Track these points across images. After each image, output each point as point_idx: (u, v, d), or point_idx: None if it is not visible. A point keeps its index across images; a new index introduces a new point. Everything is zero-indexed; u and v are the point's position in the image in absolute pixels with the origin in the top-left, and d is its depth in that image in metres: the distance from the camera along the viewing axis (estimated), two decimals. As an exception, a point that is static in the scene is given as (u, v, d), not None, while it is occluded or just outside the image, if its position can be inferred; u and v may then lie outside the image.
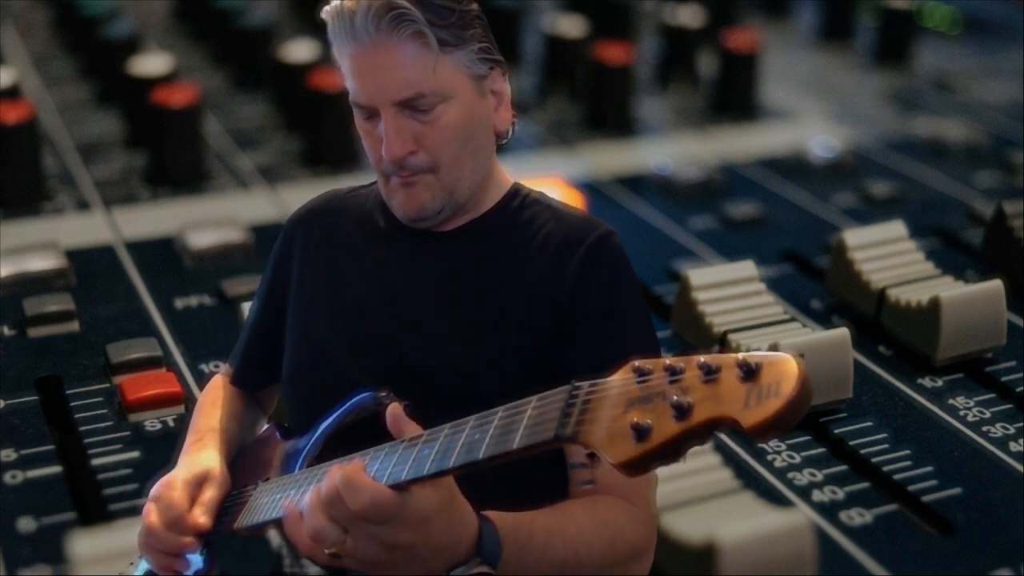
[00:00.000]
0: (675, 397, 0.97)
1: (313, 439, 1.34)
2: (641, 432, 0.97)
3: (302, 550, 1.21)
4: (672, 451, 0.98)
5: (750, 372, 0.96)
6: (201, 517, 1.34)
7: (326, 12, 1.32)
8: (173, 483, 1.36)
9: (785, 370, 0.96)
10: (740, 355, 0.98)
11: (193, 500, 1.35)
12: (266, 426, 1.54)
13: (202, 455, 1.41)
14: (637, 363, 1.03)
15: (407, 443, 1.18)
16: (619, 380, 1.03)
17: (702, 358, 0.99)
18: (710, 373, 0.98)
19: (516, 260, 1.35)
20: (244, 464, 1.47)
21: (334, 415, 1.33)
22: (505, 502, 1.27)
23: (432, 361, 1.33)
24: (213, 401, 1.51)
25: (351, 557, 1.17)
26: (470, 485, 1.24)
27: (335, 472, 1.17)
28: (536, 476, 1.33)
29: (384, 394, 1.30)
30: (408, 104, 1.30)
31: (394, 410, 1.22)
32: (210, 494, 1.36)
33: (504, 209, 1.39)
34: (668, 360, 1.01)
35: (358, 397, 1.31)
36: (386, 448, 1.20)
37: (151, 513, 1.34)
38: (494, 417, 1.11)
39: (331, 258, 1.43)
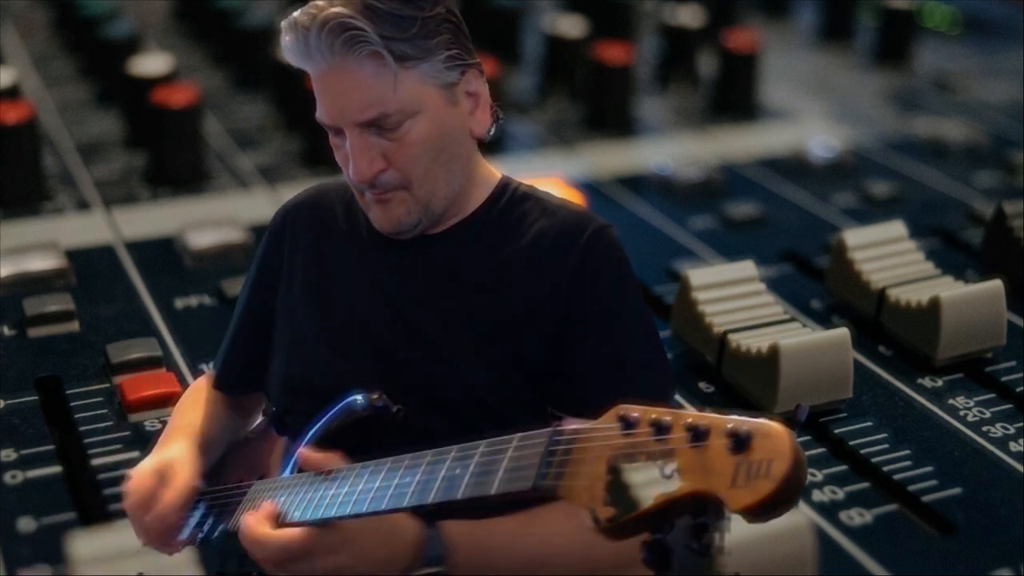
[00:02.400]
0: (659, 464, 0.93)
1: (304, 442, 1.33)
2: None
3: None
4: (654, 519, 0.94)
5: (740, 443, 0.91)
6: (172, 517, 1.33)
7: (283, 27, 1.27)
8: (140, 472, 1.36)
9: (777, 447, 0.91)
10: (730, 422, 0.93)
11: (161, 486, 1.34)
12: (261, 419, 1.53)
13: (171, 448, 1.40)
14: (622, 411, 0.99)
15: (390, 466, 1.17)
16: (603, 429, 0.99)
17: (689, 418, 0.94)
18: (698, 438, 0.93)
19: (507, 259, 1.32)
20: (240, 458, 1.46)
21: (325, 417, 1.31)
22: (511, 506, 1.26)
23: (426, 365, 1.31)
24: (194, 402, 1.49)
25: None
26: None
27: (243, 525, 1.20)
28: None
29: (376, 396, 1.28)
30: (373, 124, 1.26)
31: (304, 457, 1.24)
32: (169, 495, 1.35)
33: (492, 207, 1.36)
34: (654, 414, 0.97)
35: (350, 399, 1.29)
36: (368, 471, 1.19)
37: (126, 502, 1.35)
38: (475, 452, 1.09)
39: (320, 258, 1.40)
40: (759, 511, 0.90)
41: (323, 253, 1.41)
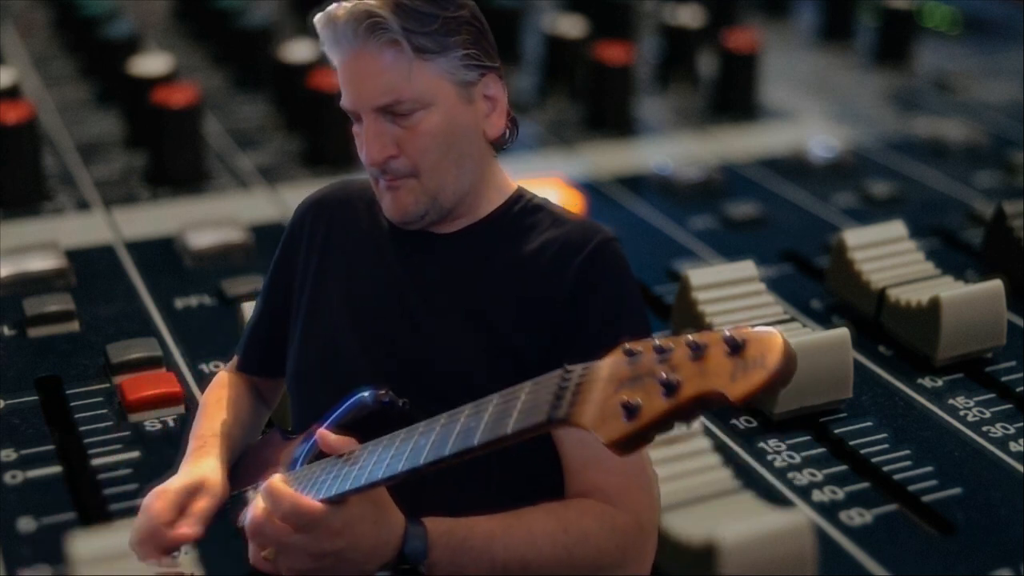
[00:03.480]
0: (663, 375, 0.98)
1: (313, 439, 1.34)
2: (631, 410, 0.98)
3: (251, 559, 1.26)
4: (663, 428, 0.99)
5: (736, 347, 0.97)
6: (187, 527, 1.33)
7: (316, 20, 1.34)
8: (163, 493, 1.36)
9: (770, 343, 0.97)
10: (727, 331, 0.99)
11: (183, 509, 1.35)
12: (270, 430, 1.54)
13: (201, 464, 1.41)
14: (627, 345, 1.04)
15: (404, 436, 1.19)
16: (610, 362, 1.04)
17: (690, 336, 1.01)
18: (697, 350, 0.99)
19: (515, 263, 1.36)
20: (247, 466, 1.47)
21: (334, 414, 1.33)
22: (499, 506, 1.27)
23: (430, 361, 1.34)
24: (216, 402, 1.51)
25: (285, 569, 1.22)
26: (462, 488, 1.28)
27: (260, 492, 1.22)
28: (531, 481, 1.33)
29: (383, 392, 1.31)
30: (387, 110, 1.32)
31: (323, 436, 1.26)
32: (202, 504, 1.36)
33: (505, 214, 1.40)
34: (657, 340, 1.02)
35: (357, 396, 1.32)
36: (383, 445, 1.21)
37: (138, 519, 1.35)
38: (489, 404, 1.13)
39: (339, 252, 1.44)
40: (754, 398, 0.97)
41: (340, 247, 1.44)
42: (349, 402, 1.32)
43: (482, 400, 1.14)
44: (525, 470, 1.32)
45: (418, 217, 1.36)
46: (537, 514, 1.27)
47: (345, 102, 1.36)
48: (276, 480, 1.23)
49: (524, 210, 1.40)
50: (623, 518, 1.29)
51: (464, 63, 1.33)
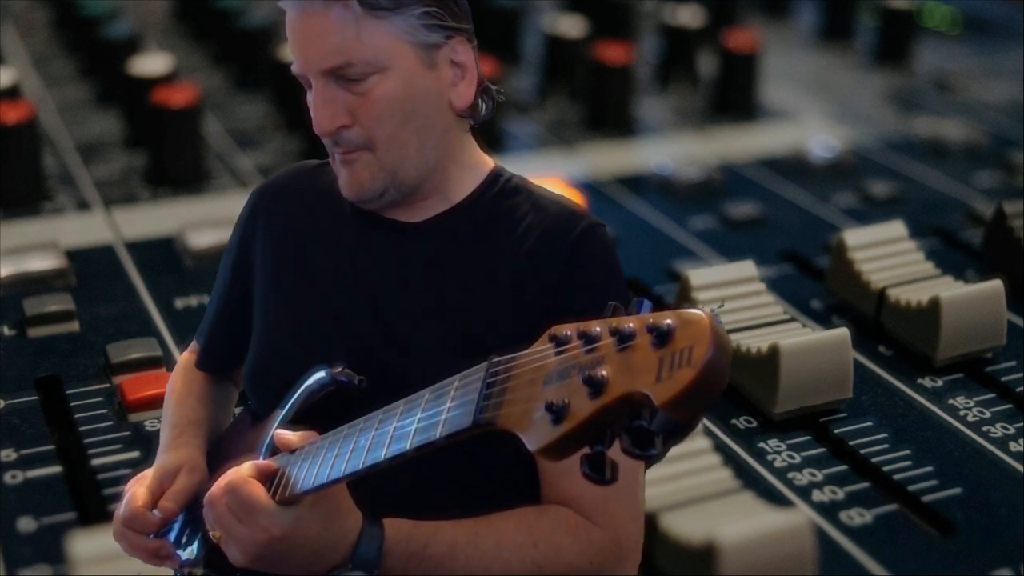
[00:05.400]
0: (588, 371, 0.90)
1: (274, 426, 1.27)
2: (557, 413, 0.90)
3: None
4: (593, 431, 0.90)
5: (662, 336, 0.87)
6: (163, 502, 1.29)
7: None
8: (142, 478, 1.32)
9: (697, 333, 0.86)
10: (651, 317, 0.89)
11: (163, 492, 1.31)
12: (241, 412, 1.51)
13: (180, 452, 1.36)
14: (553, 330, 0.96)
15: (347, 432, 1.14)
16: (536, 352, 0.96)
17: (613, 322, 0.92)
18: (623, 340, 0.89)
19: (494, 254, 1.27)
20: (220, 452, 1.44)
21: (292, 400, 1.26)
22: (469, 509, 1.21)
23: (400, 357, 1.26)
24: (185, 387, 1.45)
25: (228, 555, 1.17)
26: (434, 489, 1.22)
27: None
28: (505, 482, 1.26)
29: (338, 369, 1.24)
30: (337, 73, 1.22)
31: (280, 437, 1.20)
32: (180, 483, 1.31)
33: (481, 197, 1.29)
34: (583, 326, 0.93)
35: (313, 378, 1.25)
36: (328, 441, 1.16)
37: (118, 508, 1.31)
38: (421, 403, 1.06)
39: (297, 243, 1.35)
40: (685, 402, 0.85)
41: (297, 239, 1.35)
42: (305, 385, 1.25)
43: (414, 397, 1.07)
44: (500, 472, 1.25)
45: (376, 195, 1.25)
46: (507, 523, 1.20)
47: (294, 67, 1.26)
48: (243, 468, 1.17)
49: (502, 193, 1.30)
50: (598, 534, 1.21)
51: (424, 23, 1.21)
